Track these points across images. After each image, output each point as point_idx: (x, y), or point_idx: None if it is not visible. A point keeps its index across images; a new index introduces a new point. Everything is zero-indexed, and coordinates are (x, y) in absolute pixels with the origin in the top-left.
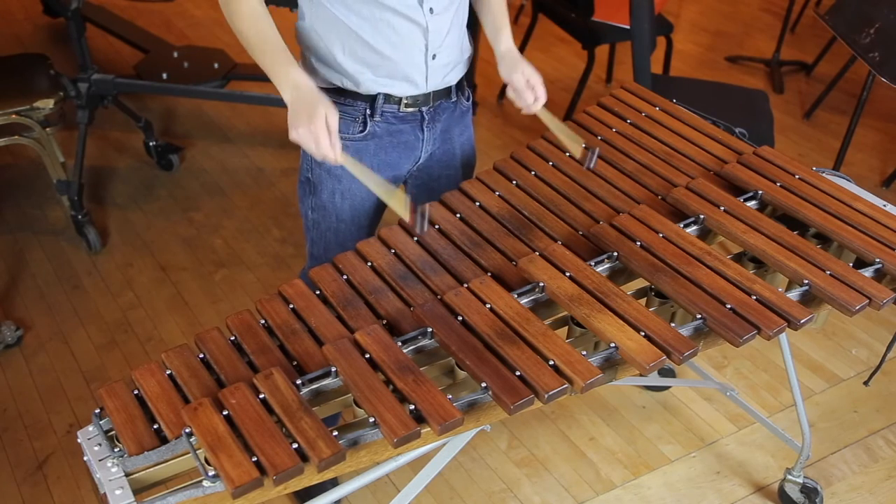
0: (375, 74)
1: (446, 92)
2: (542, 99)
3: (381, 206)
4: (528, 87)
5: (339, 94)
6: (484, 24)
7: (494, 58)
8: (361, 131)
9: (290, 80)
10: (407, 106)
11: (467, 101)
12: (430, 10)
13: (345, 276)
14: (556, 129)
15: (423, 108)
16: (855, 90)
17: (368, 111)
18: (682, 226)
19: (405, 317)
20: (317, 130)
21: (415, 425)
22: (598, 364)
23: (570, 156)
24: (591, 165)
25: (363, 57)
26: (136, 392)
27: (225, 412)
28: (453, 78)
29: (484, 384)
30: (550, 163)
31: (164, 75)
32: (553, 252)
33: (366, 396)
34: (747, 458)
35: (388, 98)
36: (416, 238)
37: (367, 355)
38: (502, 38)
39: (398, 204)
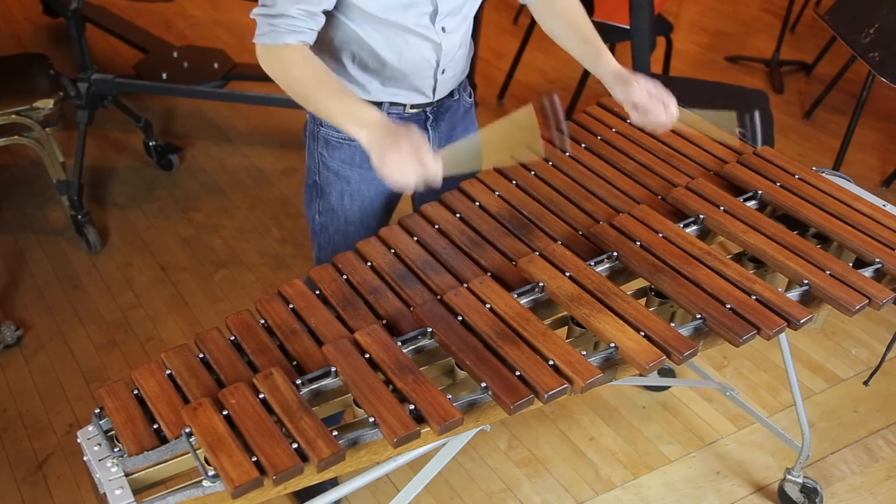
0: (384, 84)
1: (450, 93)
2: (674, 106)
3: (389, 207)
4: (653, 98)
5: None
6: (575, 51)
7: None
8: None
9: (364, 119)
10: (412, 108)
11: (469, 98)
12: (443, 28)
13: (345, 276)
14: (707, 130)
15: (427, 109)
16: (855, 90)
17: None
18: (682, 226)
19: (405, 317)
20: (408, 154)
21: (415, 425)
22: (598, 364)
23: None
24: (758, 143)
25: (373, 68)
26: (135, 392)
27: (225, 412)
28: (458, 82)
29: (484, 384)
30: (550, 163)
31: (164, 75)
32: (553, 252)
33: (365, 396)
34: (747, 458)
35: (393, 103)
36: (416, 238)
37: (367, 355)
38: (604, 60)
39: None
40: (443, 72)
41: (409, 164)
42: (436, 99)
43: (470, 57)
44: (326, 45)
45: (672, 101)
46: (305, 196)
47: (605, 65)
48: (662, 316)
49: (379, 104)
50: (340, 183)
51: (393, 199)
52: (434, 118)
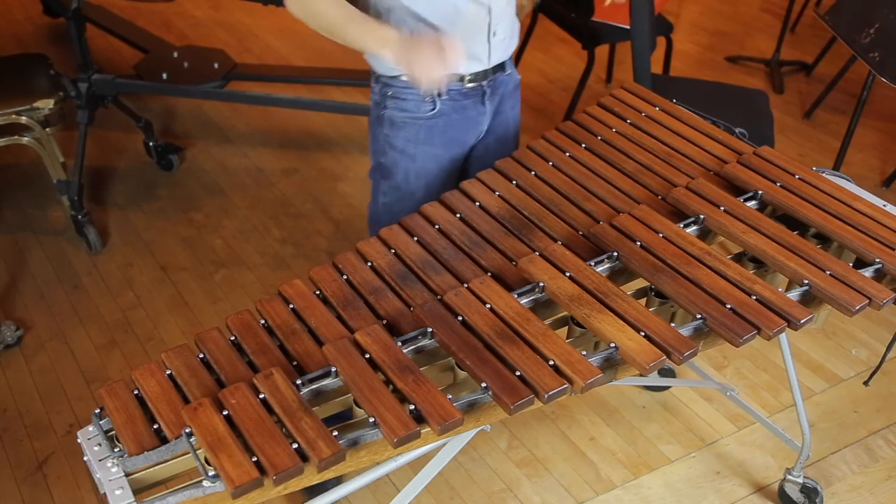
0: None
1: (502, 66)
2: None
3: (452, 181)
4: None
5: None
6: None
7: None
8: (431, 110)
9: (385, 38)
10: (470, 82)
11: (517, 75)
12: None
13: (345, 276)
14: None
15: (484, 83)
16: (855, 90)
17: (436, 91)
18: (682, 226)
19: (405, 317)
20: (430, 52)
21: (415, 425)
22: (598, 364)
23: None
24: None
25: None
26: (136, 392)
27: (225, 412)
28: (509, 50)
29: (484, 384)
30: (550, 163)
31: (164, 75)
32: (553, 252)
33: (366, 396)
34: (747, 458)
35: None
36: (416, 238)
37: (367, 355)
38: None
39: None
40: (494, 34)
41: (434, 60)
42: (491, 65)
43: (517, 24)
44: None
45: None
46: (372, 180)
47: None
48: (662, 316)
49: None
50: (406, 161)
51: (453, 173)
52: (491, 92)
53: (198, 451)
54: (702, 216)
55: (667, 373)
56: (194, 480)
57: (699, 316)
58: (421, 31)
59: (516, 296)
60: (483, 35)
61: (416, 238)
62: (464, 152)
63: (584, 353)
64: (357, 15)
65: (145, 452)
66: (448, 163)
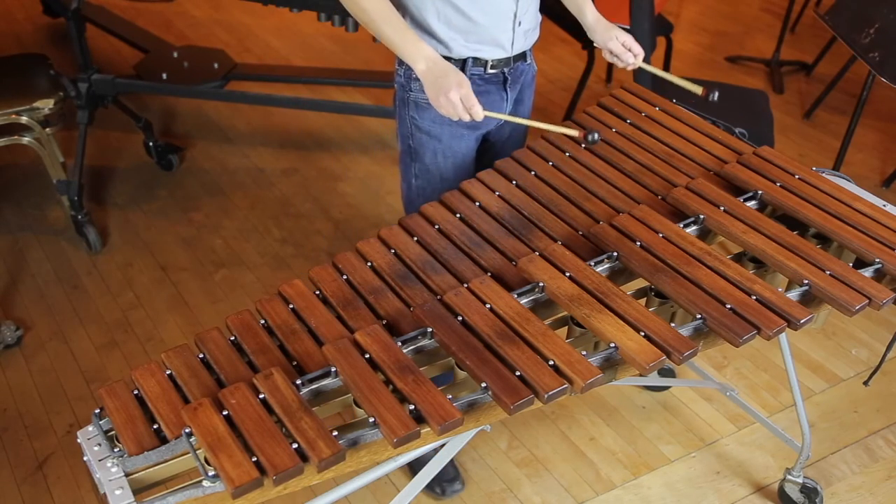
0: (466, 41)
1: (523, 55)
2: (641, 54)
3: (477, 161)
4: (625, 50)
5: None
6: (566, 1)
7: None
8: None
9: (422, 53)
10: (492, 67)
11: (535, 65)
12: None
13: (345, 276)
14: (670, 78)
15: (505, 70)
16: (855, 90)
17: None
18: (682, 226)
19: (405, 317)
20: (454, 100)
21: (415, 425)
22: (598, 364)
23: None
24: (714, 98)
25: (457, 24)
26: (136, 392)
27: (225, 412)
28: (531, 41)
29: (484, 384)
30: (550, 163)
31: (164, 75)
32: (553, 252)
33: (366, 396)
34: (747, 458)
35: (475, 61)
36: (416, 238)
37: (367, 355)
38: (587, 10)
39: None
40: (519, 24)
41: (459, 110)
42: (514, 53)
43: (539, 20)
44: (413, 7)
45: (640, 52)
46: (401, 165)
47: (587, 13)
48: (662, 316)
49: (463, 61)
50: (433, 142)
51: (480, 153)
52: (512, 80)
53: (198, 451)
54: (702, 216)
55: (667, 373)
56: (194, 480)
57: (699, 316)
58: (449, 14)
59: (516, 296)
60: (509, 23)
61: (416, 238)
62: (481, 134)
63: (584, 353)
64: (396, 19)
65: (145, 452)
66: (474, 142)
